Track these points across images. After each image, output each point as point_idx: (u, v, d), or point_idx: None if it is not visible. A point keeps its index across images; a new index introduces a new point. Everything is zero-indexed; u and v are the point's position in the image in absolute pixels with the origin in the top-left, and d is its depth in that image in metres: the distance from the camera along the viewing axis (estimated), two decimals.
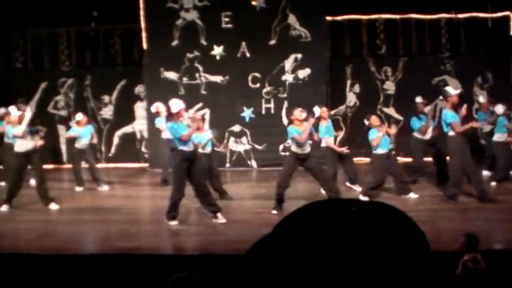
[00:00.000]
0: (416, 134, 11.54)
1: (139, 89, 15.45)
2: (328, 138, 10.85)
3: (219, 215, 8.92)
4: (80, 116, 12.47)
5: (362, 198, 9.63)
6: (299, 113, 9.68)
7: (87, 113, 14.22)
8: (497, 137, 11.73)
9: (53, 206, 10.27)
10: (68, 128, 15.70)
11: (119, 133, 15.68)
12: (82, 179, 12.22)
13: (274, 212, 9.31)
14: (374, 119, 10.43)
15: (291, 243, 0.98)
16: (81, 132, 12.22)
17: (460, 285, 5.29)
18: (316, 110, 10.62)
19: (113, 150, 15.68)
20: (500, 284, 5.54)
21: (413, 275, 0.96)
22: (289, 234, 1.00)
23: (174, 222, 8.80)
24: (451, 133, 9.65)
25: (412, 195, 10.32)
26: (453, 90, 10.09)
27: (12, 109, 10.54)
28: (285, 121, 14.28)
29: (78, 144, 12.19)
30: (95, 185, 12.15)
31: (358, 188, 10.82)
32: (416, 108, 11.65)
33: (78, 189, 12.13)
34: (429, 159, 11.86)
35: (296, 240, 0.98)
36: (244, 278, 1.00)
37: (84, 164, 12.33)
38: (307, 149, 9.62)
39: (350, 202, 1.04)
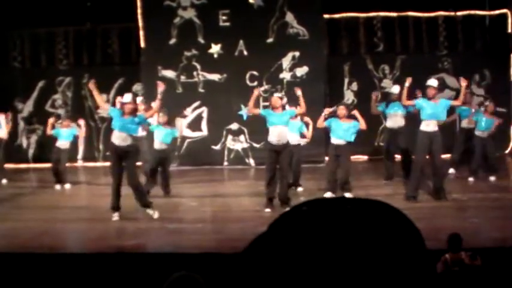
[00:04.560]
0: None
1: (137, 88, 15.42)
2: None
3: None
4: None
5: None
6: None
7: (85, 112, 14.12)
8: None
9: None
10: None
11: None
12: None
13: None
14: None
15: (286, 241, 0.98)
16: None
17: (455, 282, 5.29)
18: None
19: None
20: (496, 282, 5.54)
21: (409, 272, 0.96)
22: (284, 232, 1.00)
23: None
24: None
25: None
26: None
27: None
28: None
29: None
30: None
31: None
32: None
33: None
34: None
35: (291, 238, 0.98)
36: (241, 276, 1.01)
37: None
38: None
39: (345, 200, 1.04)
